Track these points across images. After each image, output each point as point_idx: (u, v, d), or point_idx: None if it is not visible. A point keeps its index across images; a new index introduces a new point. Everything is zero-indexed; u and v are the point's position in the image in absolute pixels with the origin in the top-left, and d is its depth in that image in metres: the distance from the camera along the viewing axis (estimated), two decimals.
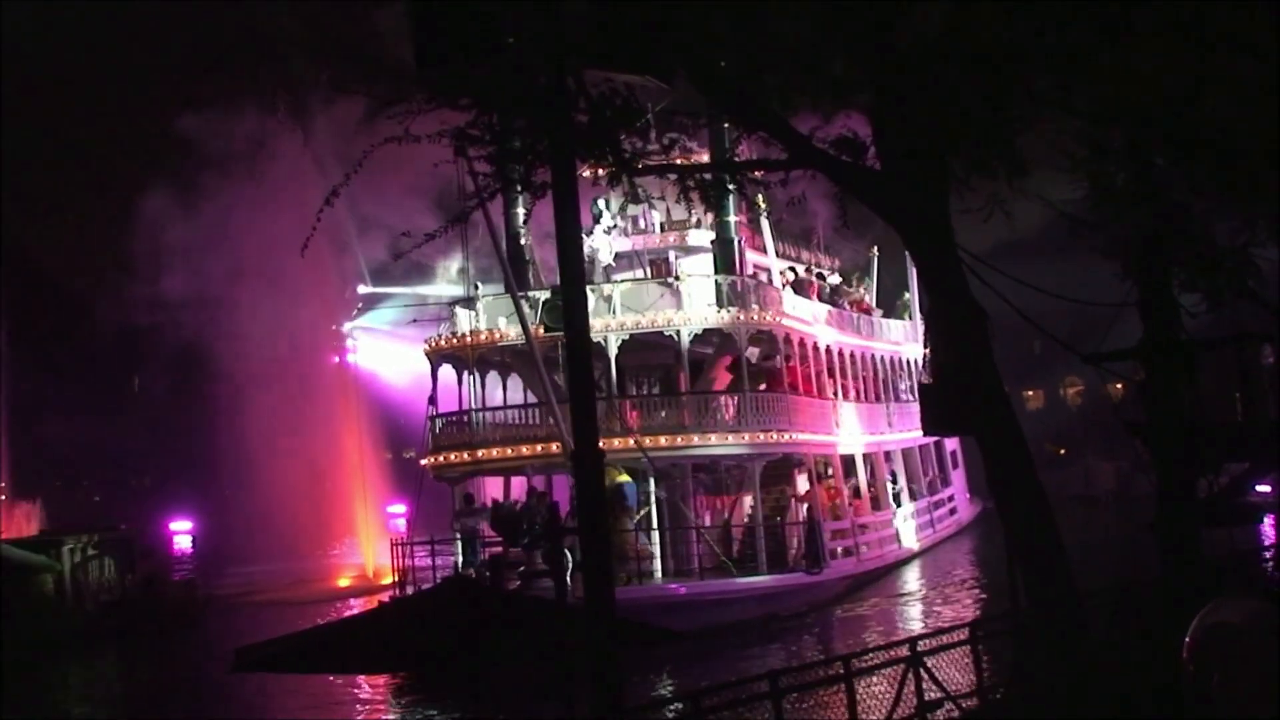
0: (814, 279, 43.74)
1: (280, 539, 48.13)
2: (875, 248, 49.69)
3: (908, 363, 49.47)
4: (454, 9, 12.20)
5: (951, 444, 49.57)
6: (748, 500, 35.78)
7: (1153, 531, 17.19)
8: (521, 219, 35.38)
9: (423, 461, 35.28)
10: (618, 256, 38.62)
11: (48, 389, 65.07)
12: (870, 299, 49.43)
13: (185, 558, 52.47)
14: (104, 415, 70.53)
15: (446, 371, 36.17)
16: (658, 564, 33.15)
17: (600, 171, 16.68)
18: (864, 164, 16.09)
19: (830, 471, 38.97)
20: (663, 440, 33.09)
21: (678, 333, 33.86)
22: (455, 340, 35.46)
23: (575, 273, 11.99)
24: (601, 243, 37.52)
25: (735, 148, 16.66)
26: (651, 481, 33.48)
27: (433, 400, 34.32)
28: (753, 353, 37.08)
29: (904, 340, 49.73)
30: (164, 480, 69.21)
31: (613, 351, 34.11)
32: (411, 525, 35.08)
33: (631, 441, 32.27)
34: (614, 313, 34.37)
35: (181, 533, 53.92)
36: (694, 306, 34.43)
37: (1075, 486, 50.67)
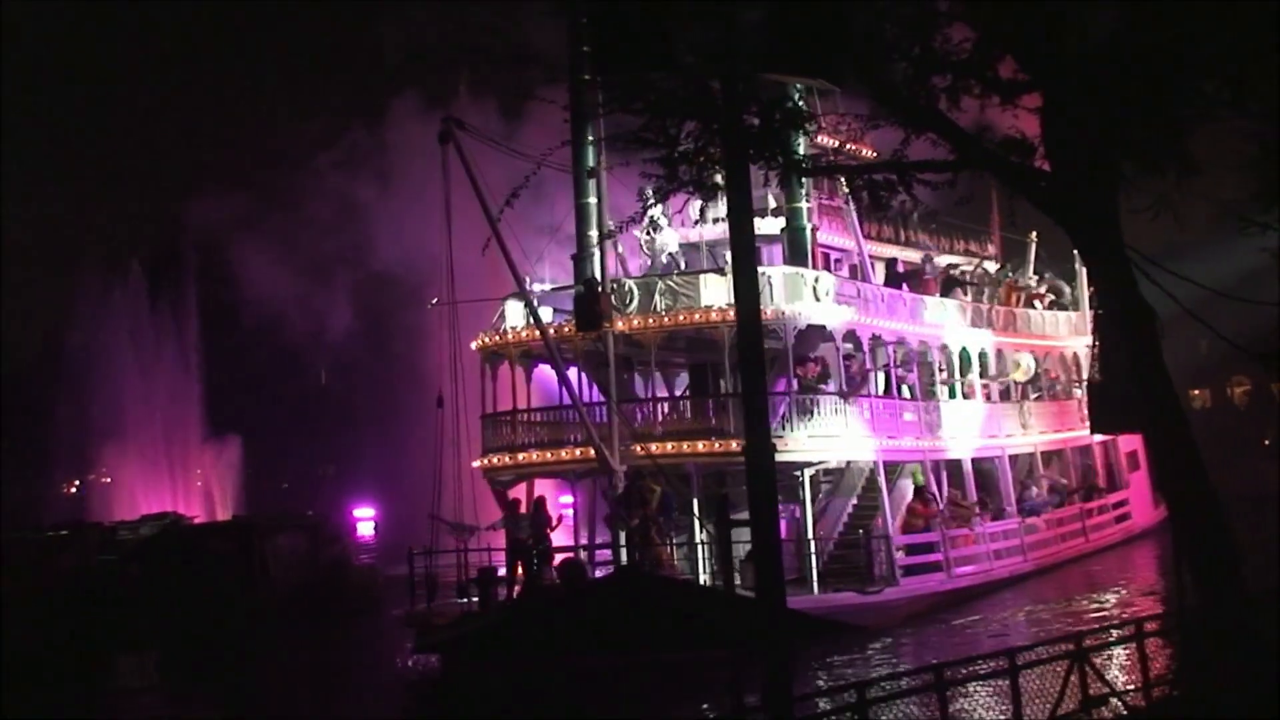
0: (929, 267, 40.52)
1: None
2: (1034, 234, 46.03)
3: (1065, 357, 45.83)
4: (631, 18, 12.69)
5: (1129, 444, 45.02)
6: (844, 507, 33.51)
7: None
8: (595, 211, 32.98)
9: (474, 464, 33.58)
10: (692, 248, 36.38)
11: (237, 377, 67.28)
12: (1029, 290, 45.68)
13: (368, 543, 53.97)
14: (292, 405, 72.85)
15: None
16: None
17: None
18: (1032, 165, 16.26)
19: (921, 478, 35.80)
20: (700, 446, 30.87)
21: (718, 329, 31.20)
22: (499, 337, 33.88)
23: (749, 273, 12.40)
24: (669, 235, 35.55)
25: (904, 149, 16.85)
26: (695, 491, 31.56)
27: (440, 403, 31.38)
28: (830, 350, 34.16)
29: (1065, 334, 45.86)
30: (348, 469, 71.17)
31: (652, 350, 32.41)
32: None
33: (638, 448, 30.60)
34: (656, 309, 32.20)
35: (365, 519, 55.55)
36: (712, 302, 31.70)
37: (1241, 487, 47.28)
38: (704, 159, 15.45)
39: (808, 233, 33.60)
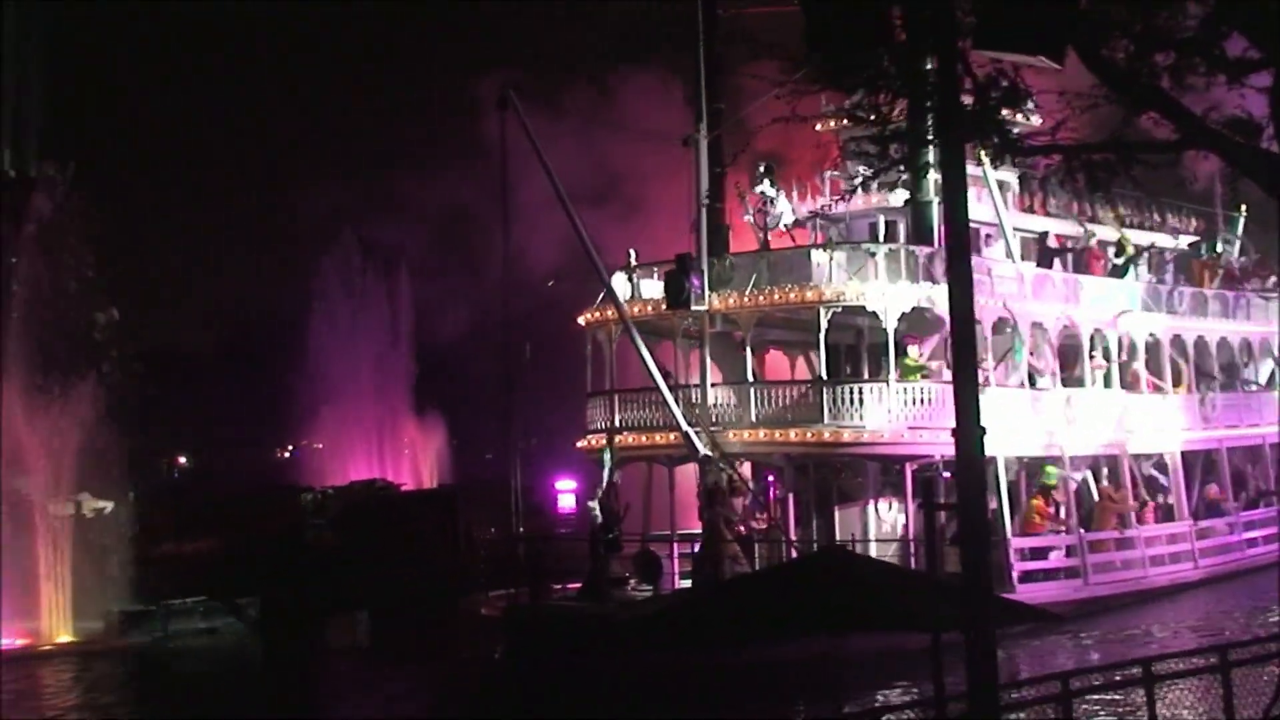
0: (1094, 243, 37.04)
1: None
2: (1242, 206, 42.06)
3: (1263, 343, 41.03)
4: None
5: None
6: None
7: None
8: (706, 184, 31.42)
9: (578, 444, 33.12)
10: (806, 222, 34.59)
11: (445, 347, 68.68)
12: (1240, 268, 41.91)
13: (568, 516, 54.70)
14: (499, 378, 74.02)
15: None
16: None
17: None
18: (1260, 146, 15.71)
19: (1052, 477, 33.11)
20: (793, 435, 29.37)
21: (816, 312, 29.73)
22: (600, 314, 32.48)
23: (962, 253, 12.24)
24: (784, 207, 33.29)
25: (1125, 128, 16.41)
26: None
27: (510, 386, 31.18)
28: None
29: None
30: (551, 441, 72.15)
31: (747, 332, 30.80)
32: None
33: (730, 434, 29.56)
34: (758, 285, 30.41)
35: (565, 492, 56.25)
36: (835, 280, 29.93)
37: None
38: (917, 137, 15.30)
39: (933, 206, 31.06)
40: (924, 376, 31.05)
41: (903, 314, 30.06)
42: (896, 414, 29.41)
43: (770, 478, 32.77)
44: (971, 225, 33.86)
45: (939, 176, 31.03)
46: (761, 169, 33.25)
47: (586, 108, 44.95)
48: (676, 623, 27.24)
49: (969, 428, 12.07)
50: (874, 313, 29.82)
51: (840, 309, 29.98)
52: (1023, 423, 32.10)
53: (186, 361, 79.57)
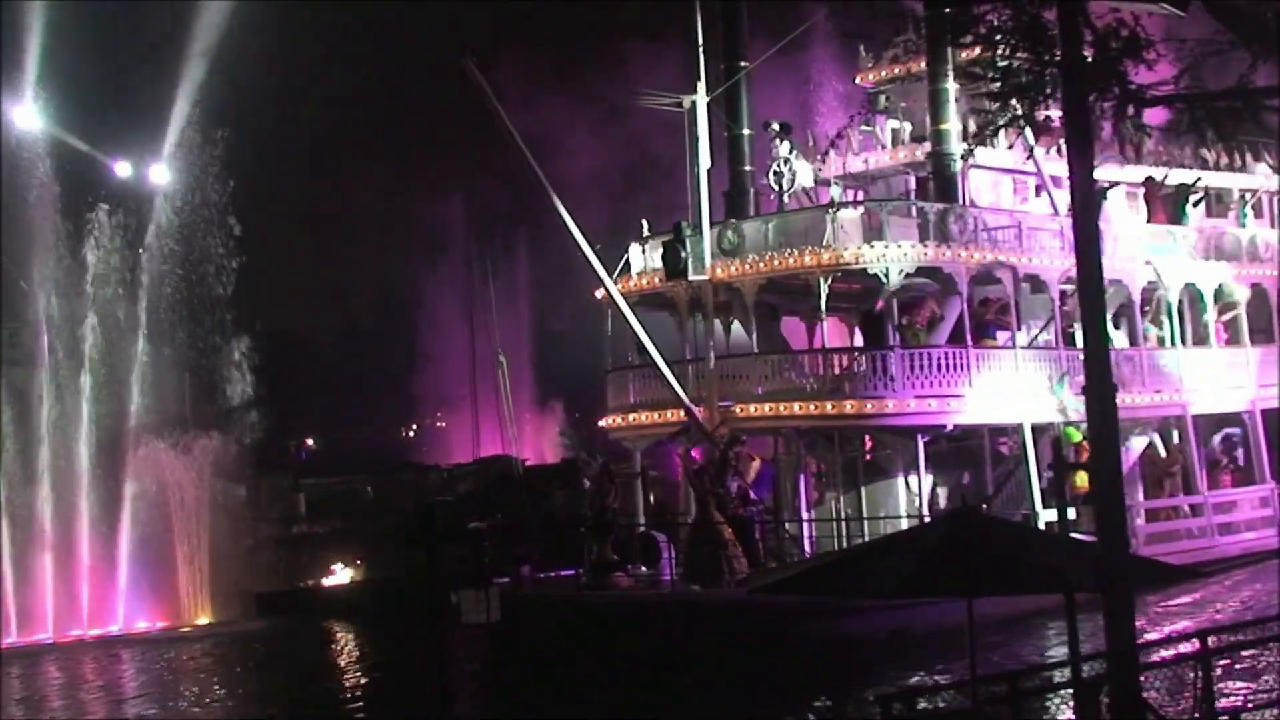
0: (1158, 187, 33.91)
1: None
2: None
3: None
4: None
5: None
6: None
7: None
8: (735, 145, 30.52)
9: (601, 423, 32.04)
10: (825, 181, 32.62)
11: (567, 325, 69.15)
12: None
13: None
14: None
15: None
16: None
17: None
18: None
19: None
20: (797, 408, 27.97)
21: (816, 277, 28.12)
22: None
23: (1088, 215, 12.09)
24: (800, 166, 31.23)
25: (1250, 74, 16.00)
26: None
27: (502, 368, 30.10)
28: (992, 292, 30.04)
29: None
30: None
31: (749, 299, 29.35)
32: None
33: (737, 409, 28.44)
34: (767, 251, 28.92)
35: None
36: (838, 243, 28.19)
37: None
38: (1034, 92, 15.04)
39: (956, 160, 29.31)
40: (944, 342, 29.56)
41: (908, 275, 28.45)
42: (902, 382, 27.90)
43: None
44: (1006, 174, 31.84)
45: (961, 126, 28.98)
46: (776, 127, 31.58)
47: (603, 87, 44.48)
48: (804, 586, 26.86)
49: (1102, 387, 11.93)
50: (875, 275, 28.25)
51: (840, 273, 28.38)
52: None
53: (310, 345, 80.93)
